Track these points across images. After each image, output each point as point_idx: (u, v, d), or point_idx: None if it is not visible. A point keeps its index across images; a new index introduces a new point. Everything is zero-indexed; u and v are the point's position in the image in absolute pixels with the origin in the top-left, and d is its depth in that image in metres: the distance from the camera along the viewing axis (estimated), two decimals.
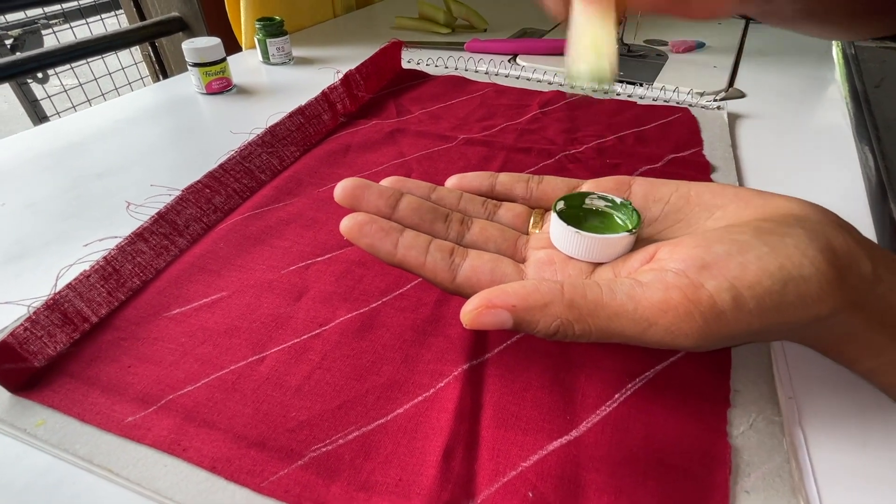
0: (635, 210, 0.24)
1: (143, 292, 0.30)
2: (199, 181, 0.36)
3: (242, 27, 0.68)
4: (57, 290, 0.27)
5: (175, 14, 0.74)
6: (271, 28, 0.63)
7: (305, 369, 0.25)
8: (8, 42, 1.30)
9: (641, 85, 0.56)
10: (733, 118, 0.51)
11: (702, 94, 0.54)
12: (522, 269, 0.24)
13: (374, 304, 0.29)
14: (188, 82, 0.59)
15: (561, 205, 0.25)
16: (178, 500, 0.20)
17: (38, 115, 1.33)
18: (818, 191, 0.41)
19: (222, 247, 0.33)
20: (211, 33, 0.73)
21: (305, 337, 0.27)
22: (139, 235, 0.31)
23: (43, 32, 1.37)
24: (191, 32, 0.76)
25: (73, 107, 1.32)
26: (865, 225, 0.38)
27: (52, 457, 0.22)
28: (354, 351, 0.26)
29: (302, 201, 0.37)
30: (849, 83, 0.55)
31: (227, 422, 0.23)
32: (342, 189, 0.26)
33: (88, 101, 1.33)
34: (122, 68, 1.36)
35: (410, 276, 0.31)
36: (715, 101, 0.52)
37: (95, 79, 1.34)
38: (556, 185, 0.28)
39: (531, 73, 0.59)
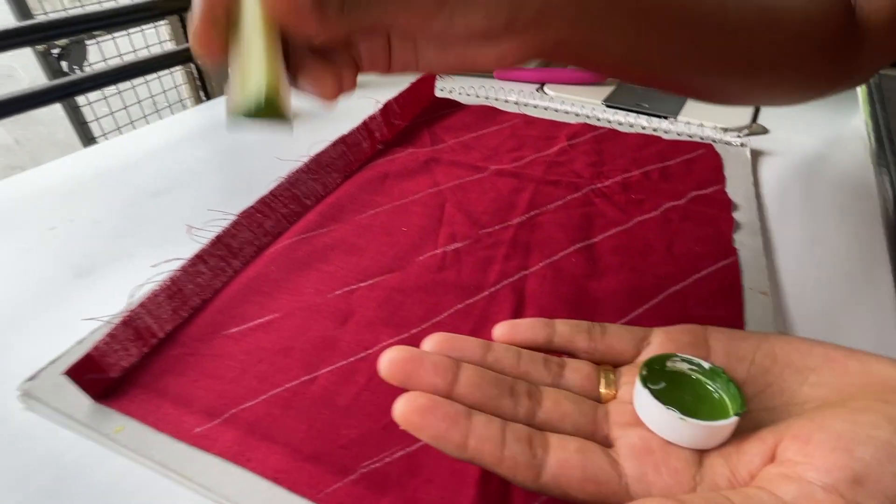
0: (731, 381, 0.22)
1: (203, 311, 0.33)
2: (252, 206, 0.39)
3: None
4: (131, 307, 0.30)
5: None
6: None
7: (353, 390, 0.28)
8: (55, 51, 1.37)
9: (666, 118, 0.58)
10: (756, 154, 0.53)
11: (725, 130, 0.56)
12: (617, 462, 0.21)
13: (413, 331, 0.31)
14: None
15: (645, 371, 0.22)
16: None
17: (86, 137, 1.39)
18: (836, 227, 0.43)
19: (273, 270, 0.36)
20: None
21: (352, 359, 0.30)
22: (199, 258, 0.34)
23: (87, 43, 1.44)
24: None
25: (119, 128, 1.37)
26: (882, 261, 0.39)
27: (130, 461, 0.25)
28: None
29: (344, 227, 0.40)
30: (871, 116, 0.56)
31: (285, 437, 0.25)
32: (390, 363, 0.22)
33: (132, 122, 1.38)
34: (164, 91, 1.42)
35: (446, 304, 0.33)
36: (738, 136, 0.54)
37: (139, 101, 1.39)
38: (621, 337, 0.26)
39: (559, 103, 0.61)
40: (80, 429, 0.26)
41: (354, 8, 0.20)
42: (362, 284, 0.35)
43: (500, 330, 0.28)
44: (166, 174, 0.49)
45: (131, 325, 0.29)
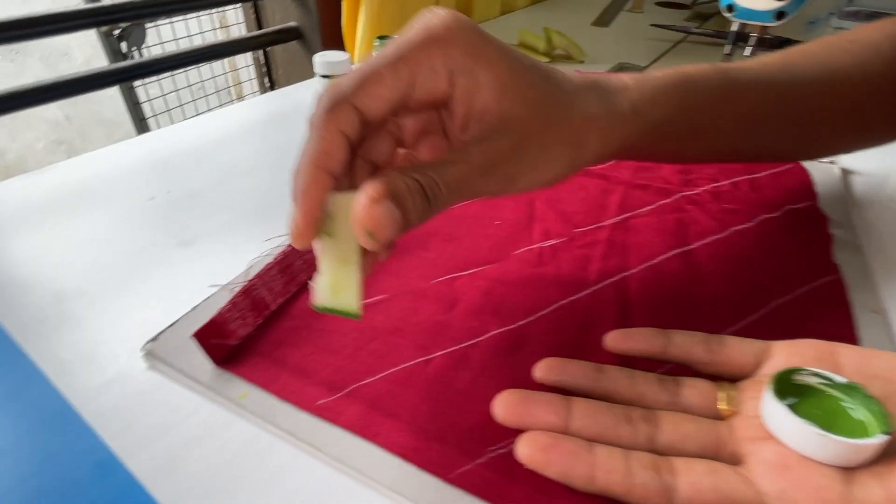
0: (871, 398, 0.21)
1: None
2: None
3: (357, 42, 0.73)
4: (248, 278, 0.31)
5: (293, 24, 0.79)
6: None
7: (468, 376, 0.28)
8: (116, 32, 1.41)
9: None
10: (846, 173, 0.51)
11: None
12: (750, 480, 0.20)
13: (520, 323, 0.31)
14: (309, 91, 0.63)
15: (776, 385, 0.22)
16: (376, 478, 0.23)
17: (137, 117, 1.42)
18: None
19: None
20: (324, 45, 0.78)
21: (464, 345, 0.30)
22: None
23: (147, 26, 1.48)
24: (304, 42, 0.81)
25: (168, 110, 1.41)
26: None
27: (256, 427, 0.26)
28: (509, 364, 0.29)
29: (439, 216, 0.40)
30: None
31: (409, 415, 0.26)
32: (503, 407, 0.23)
33: (181, 105, 1.42)
34: (214, 76, 1.45)
35: (550, 299, 0.33)
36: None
37: (189, 85, 1.42)
38: (741, 349, 0.26)
39: None
40: (204, 392, 0.27)
41: (434, 211, 0.22)
42: (463, 273, 0.35)
43: (614, 338, 0.28)
44: (255, 153, 0.50)
45: (249, 296, 0.30)
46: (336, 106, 0.21)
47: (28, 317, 0.31)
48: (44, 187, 0.44)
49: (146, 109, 1.39)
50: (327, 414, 0.26)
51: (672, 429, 0.23)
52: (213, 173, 0.46)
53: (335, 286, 0.22)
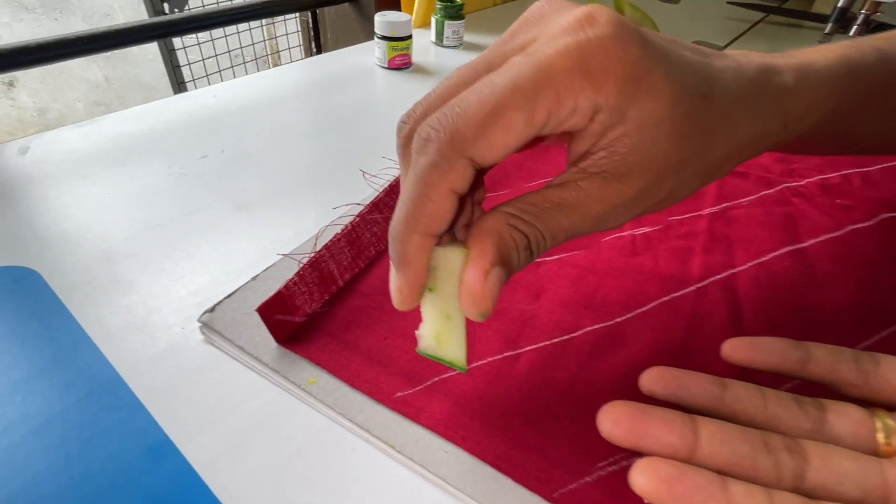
0: None
1: (380, 262, 0.30)
2: None
3: (417, 4, 0.68)
4: (316, 249, 0.27)
5: None
6: (451, 10, 0.62)
7: (564, 377, 0.24)
8: None
9: None
10: None
11: None
12: None
13: (618, 319, 0.28)
14: (363, 54, 0.60)
15: None
16: (468, 492, 0.20)
17: (177, 81, 1.41)
18: None
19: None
20: (378, 7, 0.74)
21: (556, 341, 0.26)
22: (375, 205, 0.31)
23: None
24: (357, 4, 0.77)
25: (207, 76, 1.39)
26: None
27: (326, 418, 0.22)
28: (611, 367, 0.25)
29: (511, 194, 0.36)
30: None
31: (501, 418, 0.22)
32: (613, 422, 0.19)
33: (220, 71, 1.40)
34: (253, 43, 1.42)
35: (649, 294, 0.29)
36: None
37: (229, 51, 1.40)
38: None
39: None
40: (267, 373, 0.24)
41: (533, 258, 0.19)
42: (548, 259, 0.31)
43: (737, 347, 0.23)
44: (313, 116, 0.46)
45: (317, 268, 0.27)
46: (449, 163, 0.17)
47: (75, 276, 0.29)
48: (92, 139, 0.41)
49: (185, 74, 1.38)
50: (407, 410, 0.22)
51: (823, 465, 0.19)
52: (267, 134, 0.43)
53: (439, 337, 0.20)
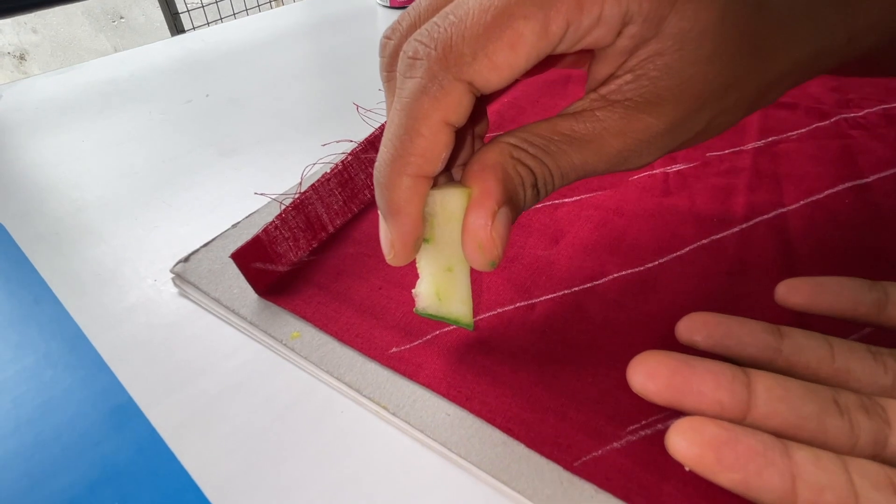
0: None
1: (375, 207, 0.26)
2: None
3: None
4: (302, 189, 0.24)
5: None
6: None
7: (589, 329, 0.21)
8: None
9: None
10: None
11: None
12: None
13: (649, 265, 0.24)
14: None
15: None
16: (472, 460, 0.17)
17: (176, 28, 1.38)
18: None
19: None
20: None
21: (577, 289, 0.22)
22: (371, 143, 0.28)
23: None
24: None
25: (207, 23, 1.34)
26: None
27: (312, 377, 0.20)
28: (644, 317, 0.21)
29: None
30: None
31: (512, 376, 0.19)
32: (648, 375, 0.16)
33: (221, 18, 1.35)
34: None
35: (685, 237, 0.25)
36: None
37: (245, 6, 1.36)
38: None
39: None
40: (246, 328, 0.21)
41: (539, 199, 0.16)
42: (567, 200, 0.27)
43: (796, 288, 0.20)
44: (307, 57, 0.42)
45: (303, 211, 0.23)
46: (442, 87, 0.14)
47: (41, 228, 0.26)
48: (70, 86, 0.38)
49: (185, 22, 1.34)
50: (403, 367, 0.19)
51: None
52: (257, 78, 0.39)
53: (440, 293, 0.18)
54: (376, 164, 0.15)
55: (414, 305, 0.18)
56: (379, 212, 0.16)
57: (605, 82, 0.15)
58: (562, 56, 0.17)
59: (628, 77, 0.14)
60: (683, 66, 0.14)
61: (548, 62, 0.17)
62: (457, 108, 0.14)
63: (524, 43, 0.13)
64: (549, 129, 0.15)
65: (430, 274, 0.17)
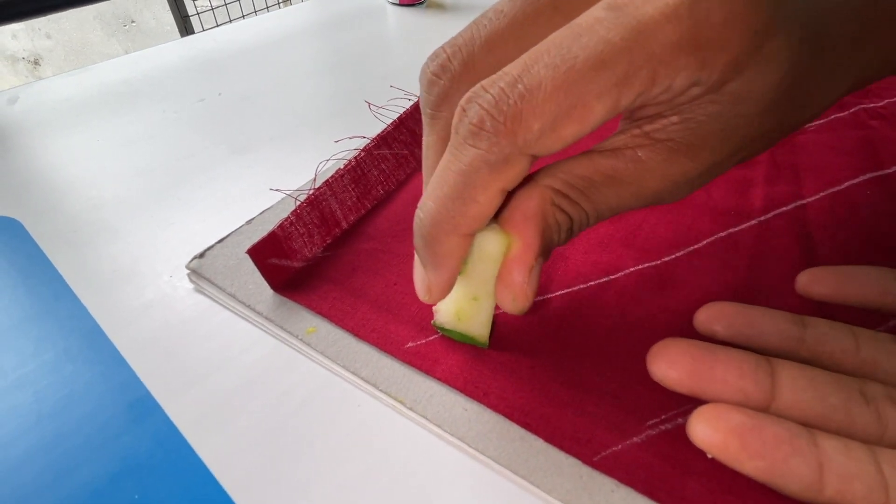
0: None
1: (389, 203, 0.26)
2: None
3: None
4: (316, 186, 0.24)
5: None
6: None
7: (605, 323, 0.21)
8: None
9: None
10: None
11: None
12: None
13: (665, 258, 0.24)
14: None
15: None
16: (490, 454, 0.17)
17: (187, 31, 1.39)
18: None
19: None
20: None
21: (592, 284, 0.22)
22: (383, 139, 0.28)
23: None
24: None
25: (217, 25, 1.35)
26: None
27: (328, 372, 0.20)
28: (661, 311, 0.21)
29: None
30: None
31: (529, 371, 0.19)
32: (667, 360, 0.16)
33: (230, 20, 1.36)
34: None
35: (701, 230, 0.25)
36: None
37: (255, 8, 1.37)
38: None
39: None
40: (262, 324, 0.21)
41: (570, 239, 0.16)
42: None
43: (818, 278, 0.19)
44: (317, 55, 0.43)
45: (317, 207, 0.24)
46: (507, 161, 0.13)
47: (59, 225, 0.26)
48: (84, 87, 0.38)
49: (196, 24, 1.35)
50: (420, 362, 0.19)
51: None
52: (269, 76, 0.39)
53: (461, 315, 0.18)
54: (421, 215, 0.15)
55: (432, 319, 0.18)
56: (417, 257, 0.16)
57: (650, 118, 0.14)
58: None
59: (675, 119, 0.14)
60: (733, 117, 0.14)
61: None
62: (516, 177, 0.14)
63: (594, 118, 0.13)
64: (590, 170, 0.15)
65: (454, 298, 0.18)
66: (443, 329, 0.19)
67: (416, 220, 0.15)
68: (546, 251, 0.15)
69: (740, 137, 0.14)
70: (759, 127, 0.14)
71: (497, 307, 0.19)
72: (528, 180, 0.15)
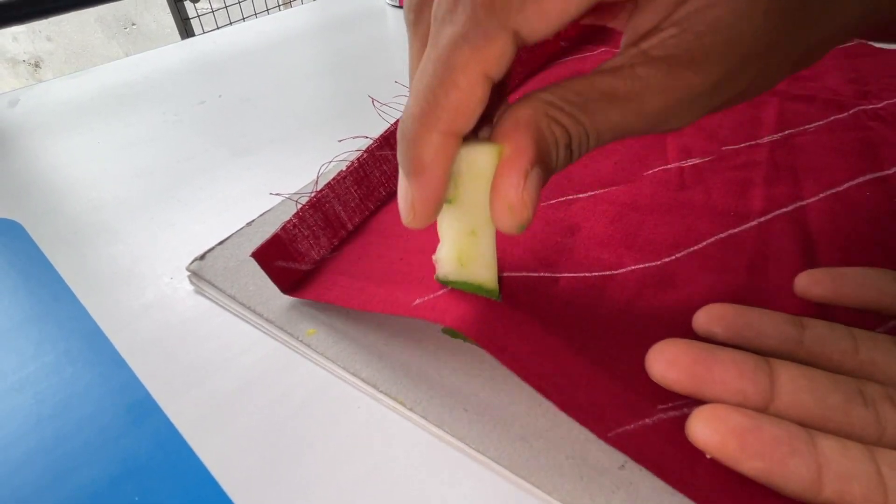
0: None
1: (393, 204, 0.26)
2: None
3: None
4: (318, 188, 0.24)
5: None
6: None
7: (612, 310, 0.21)
8: None
9: None
10: None
11: None
12: None
13: (665, 259, 0.24)
14: None
15: None
16: (490, 455, 0.17)
17: (187, 33, 1.39)
18: None
19: None
20: None
21: (597, 274, 0.22)
22: (386, 139, 0.27)
23: None
24: None
25: (217, 28, 1.36)
26: None
27: (328, 373, 0.20)
28: (664, 304, 0.21)
29: None
30: None
31: (542, 337, 0.19)
32: (666, 360, 0.16)
33: (231, 23, 1.37)
34: None
35: (702, 231, 0.25)
36: None
37: (239, 1, 1.37)
38: None
39: None
40: (262, 325, 0.21)
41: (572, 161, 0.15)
42: (581, 196, 0.27)
43: (817, 280, 0.19)
44: (319, 56, 0.43)
45: (320, 209, 0.24)
46: (486, 36, 0.13)
47: (59, 227, 0.26)
48: (85, 89, 0.38)
49: (196, 27, 1.35)
50: (428, 313, 0.19)
51: None
52: (269, 78, 0.39)
53: (463, 258, 0.17)
54: (403, 118, 0.14)
55: (434, 273, 0.18)
56: (401, 169, 0.15)
57: (646, 36, 0.14)
58: (610, 5, 0.16)
59: (673, 31, 0.13)
60: (734, 20, 0.13)
61: (594, 15, 0.17)
62: (499, 59, 0.13)
63: None
64: (587, 87, 0.14)
65: (451, 238, 0.17)
66: (447, 281, 0.17)
67: (399, 125, 0.15)
68: (543, 163, 0.14)
69: (745, 48, 0.13)
70: (764, 36, 0.13)
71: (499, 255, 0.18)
72: (522, 98, 0.15)
